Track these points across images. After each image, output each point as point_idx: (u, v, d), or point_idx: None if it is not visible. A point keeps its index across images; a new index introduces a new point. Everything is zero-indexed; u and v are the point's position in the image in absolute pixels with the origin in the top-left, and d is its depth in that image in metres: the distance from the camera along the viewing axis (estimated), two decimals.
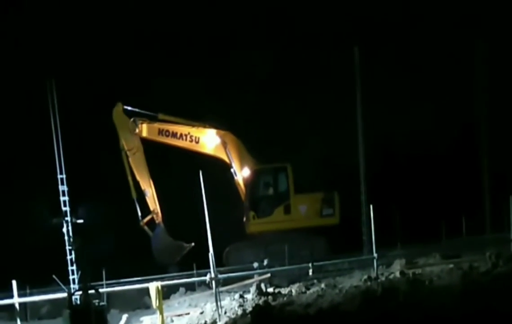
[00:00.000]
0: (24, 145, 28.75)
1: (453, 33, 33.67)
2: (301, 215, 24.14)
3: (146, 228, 23.29)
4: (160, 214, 23.38)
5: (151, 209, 23.36)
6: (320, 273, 20.85)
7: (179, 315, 17.11)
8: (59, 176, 20.13)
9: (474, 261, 18.04)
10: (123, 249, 27.74)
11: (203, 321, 14.26)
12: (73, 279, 18.85)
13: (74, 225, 20.21)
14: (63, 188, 20.02)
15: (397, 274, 17.93)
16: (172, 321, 16.38)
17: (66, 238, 19.91)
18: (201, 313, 15.64)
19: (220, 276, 15.89)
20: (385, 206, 25.21)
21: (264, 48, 33.58)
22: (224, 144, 23.85)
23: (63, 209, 19.78)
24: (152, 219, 23.37)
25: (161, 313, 14.63)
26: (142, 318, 17.16)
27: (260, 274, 19.90)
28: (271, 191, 24.54)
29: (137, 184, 23.32)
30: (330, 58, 33.04)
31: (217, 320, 14.13)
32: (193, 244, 22.82)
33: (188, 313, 16.79)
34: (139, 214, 23.17)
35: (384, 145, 34.63)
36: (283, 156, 27.17)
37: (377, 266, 18.53)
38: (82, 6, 31.68)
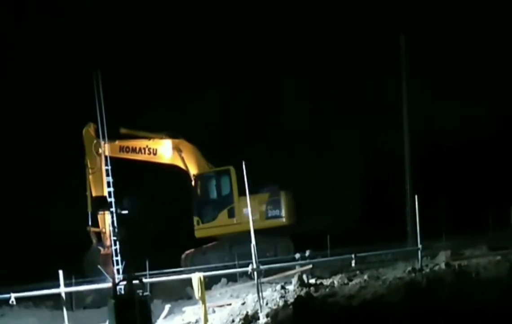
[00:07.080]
0: (71, 136, 29.32)
1: (496, 24, 33.00)
2: (246, 218, 22.71)
3: (92, 233, 23.21)
4: (108, 237, 22.58)
5: (100, 227, 23.21)
6: (363, 264, 20.63)
7: (221, 306, 17.13)
8: (104, 167, 20.45)
9: None
10: (167, 241, 28.12)
11: (244, 312, 14.21)
12: (118, 269, 19.11)
13: (119, 216, 20.67)
14: (108, 179, 20.34)
15: (442, 265, 17.56)
16: (214, 311, 16.41)
17: (111, 228, 20.24)
18: (243, 304, 15.61)
19: (261, 267, 15.85)
20: (430, 197, 24.76)
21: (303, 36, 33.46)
22: (179, 152, 24.05)
23: (108, 200, 20.05)
24: (100, 234, 23.27)
25: (204, 303, 14.69)
26: (184, 308, 17.26)
27: (301, 265, 19.78)
28: (214, 195, 24.42)
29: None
30: (375, 46, 32.75)
31: (259, 311, 14.08)
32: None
33: (230, 304, 16.77)
34: (90, 220, 23.12)
35: (430, 135, 34.10)
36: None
37: (422, 257, 18.19)
38: None
